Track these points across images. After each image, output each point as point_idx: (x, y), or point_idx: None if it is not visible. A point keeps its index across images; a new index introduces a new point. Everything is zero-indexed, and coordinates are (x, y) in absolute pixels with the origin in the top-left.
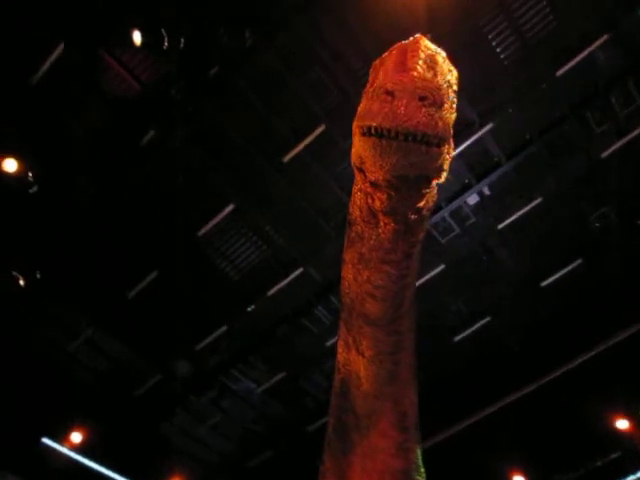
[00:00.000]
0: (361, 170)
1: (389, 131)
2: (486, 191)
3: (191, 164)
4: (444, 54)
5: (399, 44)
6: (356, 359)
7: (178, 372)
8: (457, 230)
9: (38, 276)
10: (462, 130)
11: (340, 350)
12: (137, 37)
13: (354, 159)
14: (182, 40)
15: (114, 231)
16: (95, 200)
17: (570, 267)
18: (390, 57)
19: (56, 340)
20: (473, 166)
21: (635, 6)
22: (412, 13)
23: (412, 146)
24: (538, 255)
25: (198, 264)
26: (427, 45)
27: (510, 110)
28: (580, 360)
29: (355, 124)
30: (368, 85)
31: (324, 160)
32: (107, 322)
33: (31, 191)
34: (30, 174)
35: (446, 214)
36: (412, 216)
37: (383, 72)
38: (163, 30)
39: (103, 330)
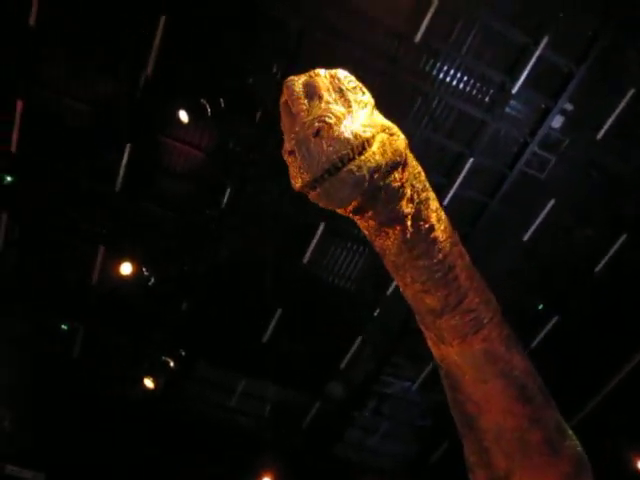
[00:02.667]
0: None
1: (314, 182)
2: (568, 107)
3: (274, 204)
4: (318, 70)
5: (281, 101)
6: (448, 351)
7: (334, 394)
8: (553, 159)
9: (182, 353)
10: (520, 57)
11: (432, 348)
12: (184, 116)
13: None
14: (221, 100)
15: (232, 289)
16: (208, 269)
17: None
18: (282, 115)
19: (215, 400)
20: (543, 87)
21: None
22: None
23: (342, 175)
24: None
25: (313, 289)
26: (300, 79)
27: (561, 14)
28: None
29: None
30: None
31: None
32: (255, 370)
33: (150, 284)
34: (145, 270)
35: (535, 148)
36: (407, 205)
37: (285, 131)
38: (202, 100)
39: (254, 378)
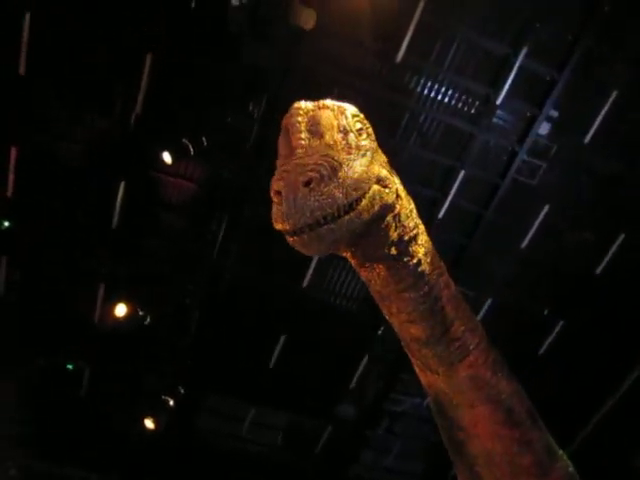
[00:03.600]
0: None
1: (293, 232)
2: (554, 113)
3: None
4: (327, 102)
5: (284, 121)
6: (434, 379)
7: (345, 416)
8: (544, 165)
9: (182, 391)
10: (500, 69)
11: (419, 375)
12: (167, 157)
13: None
14: (204, 139)
15: (235, 319)
16: (210, 300)
17: None
18: (280, 139)
19: (226, 430)
20: (527, 96)
21: None
22: None
23: (321, 231)
24: None
25: (315, 311)
26: (305, 109)
27: (537, 24)
28: None
29: None
30: None
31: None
32: (262, 398)
33: (146, 323)
34: (140, 311)
35: (524, 156)
36: (392, 248)
37: (277, 162)
38: (184, 140)
39: (263, 406)
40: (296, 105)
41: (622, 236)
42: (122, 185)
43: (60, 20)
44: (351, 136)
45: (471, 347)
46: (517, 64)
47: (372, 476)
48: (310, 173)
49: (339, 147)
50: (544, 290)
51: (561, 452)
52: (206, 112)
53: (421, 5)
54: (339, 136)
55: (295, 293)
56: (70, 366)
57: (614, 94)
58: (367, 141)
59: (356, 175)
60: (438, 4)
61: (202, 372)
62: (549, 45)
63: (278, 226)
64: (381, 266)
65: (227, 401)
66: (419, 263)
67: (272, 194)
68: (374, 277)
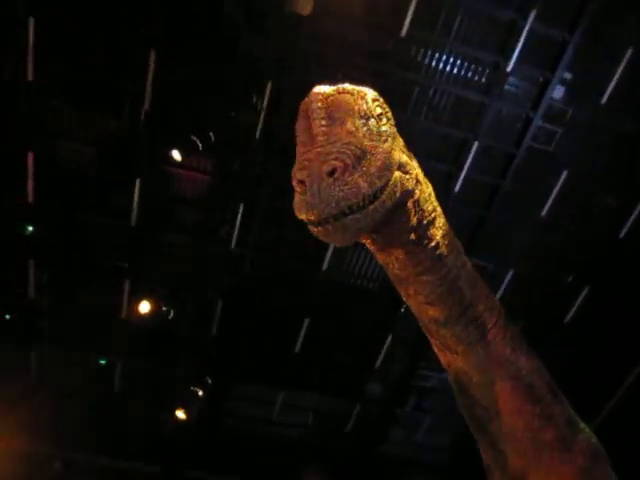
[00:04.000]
0: None
1: (317, 222)
2: (567, 76)
3: (285, 216)
4: (347, 87)
5: (302, 106)
6: (453, 358)
7: (373, 395)
8: (560, 131)
9: (209, 381)
10: (509, 35)
11: (438, 354)
12: (176, 154)
13: None
14: (211, 134)
15: (258, 305)
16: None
17: None
18: (298, 124)
19: (257, 415)
20: (539, 60)
21: None
22: None
23: (346, 221)
24: None
25: (338, 293)
26: (325, 94)
27: None
28: None
29: None
30: None
31: None
32: (290, 381)
33: (170, 317)
34: (164, 306)
35: (539, 122)
36: (411, 233)
37: (299, 147)
38: (193, 137)
39: (291, 389)
40: (315, 90)
41: None
42: (137, 183)
43: (63, 23)
44: (372, 122)
45: (489, 326)
46: (526, 28)
47: (403, 453)
48: (334, 162)
49: (361, 134)
50: (567, 257)
51: (583, 424)
52: (212, 104)
53: None
54: (360, 122)
55: (315, 277)
56: (103, 361)
57: (629, 52)
58: (387, 126)
59: (379, 163)
60: None
61: (229, 361)
62: (558, 6)
63: (302, 216)
64: (400, 250)
65: (256, 387)
66: (437, 246)
67: (294, 183)
68: (392, 261)
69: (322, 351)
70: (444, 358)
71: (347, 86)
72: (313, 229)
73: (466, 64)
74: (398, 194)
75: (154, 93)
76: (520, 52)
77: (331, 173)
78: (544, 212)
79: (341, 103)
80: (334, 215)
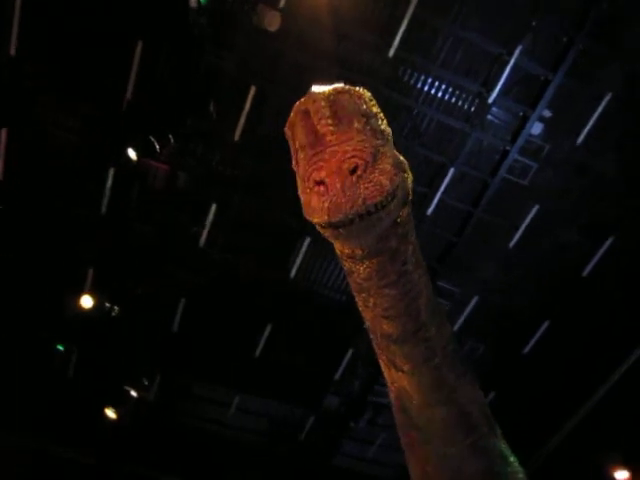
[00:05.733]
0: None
1: (341, 223)
2: (547, 114)
3: (256, 218)
4: (344, 87)
5: (299, 105)
6: (398, 375)
7: (329, 407)
8: (535, 165)
9: (145, 383)
10: (494, 67)
11: (384, 370)
12: (132, 154)
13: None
14: (170, 137)
15: (222, 307)
16: (196, 287)
17: None
18: (298, 125)
19: (211, 416)
20: (521, 95)
21: None
22: None
23: (372, 219)
24: (635, 151)
25: (302, 302)
26: (325, 94)
27: (533, 23)
28: None
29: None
30: (293, 157)
31: None
32: (247, 385)
33: (113, 314)
34: (107, 304)
35: (516, 155)
36: (396, 247)
37: (301, 150)
38: (151, 137)
39: (247, 394)
40: (315, 89)
41: (611, 239)
42: (111, 172)
43: (51, 3)
44: (373, 121)
45: (438, 349)
46: (511, 63)
47: (355, 466)
48: (355, 160)
49: (369, 133)
50: (530, 290)
51: (514, 458)
52: (190, 104)
53: (414, 1)
54: (364, 121)
55: (282, 284)
56: (61, 347)
57: (608, 97)
58: (384, 126)
59: (392, 161)
60: (432, 1)
61: (188, 359)
62: (544, 45)
63: (321, 218)
64: (373, 260)
65: (212, 388)
66: (406, 261)
67: (310, 185)
68: (358, 269)
69: (282, 358)
70: (389, 375)
71: (344, 86)
72: (331, 232)
73: (451, 90)
74: (404, 194)
75: (137, 83)
76: (503, 85)
77: (353, 171)
78: (512, 243)
79: (343, 103)
80: (359, 215)
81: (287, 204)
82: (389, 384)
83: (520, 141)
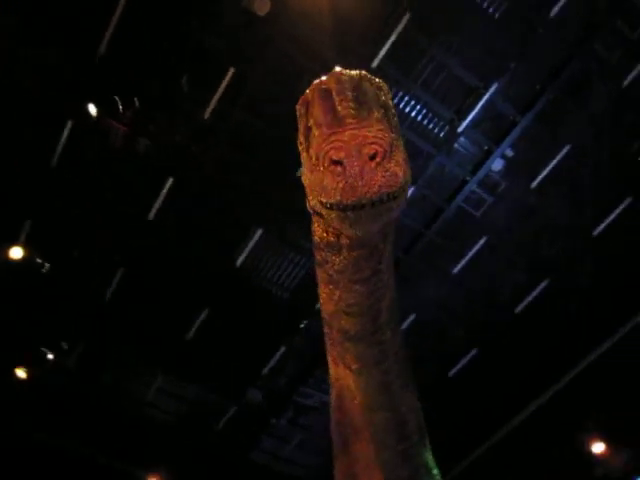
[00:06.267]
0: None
1: (353, 206)
2: (509, 153)
3: (209, 201)
4: (367, 74)
5: (319, 83)
6: (345, 373)
7: (252, 400)
8: (490, 200)
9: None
10: (468, 98)
11: (330, 365)
12: (92, 109)
13: (315, 209)
14: (135, 100)
15: (158, 281)
16: (132, 256)
17: (620, 208)
18: (316, 103)
19: (131, 391)
20: (489, 131)
21: None
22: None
23: (381, 209)
24: (583, 203)
25: (244, 293)
26: (349, 75)
27: (512, 65)
28: None
29: (312, 198)
30: (299, 130)
31: None
32: (174, 367)
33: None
34: (38, 260)
35: (474, 186)
36: (379, 243)
37: (316, 127)
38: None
39: (173, 375)
40: (338, 70)
41: (546, 282)
42: (69, 125)
43: None
44: (389, 114)
45: (391, 353)
46: (485, 98)
47: (269, 463)
48: (374, 146)
49: (385, 124)
50: (465, 317)
51: (437, 471)
52: (163, 73)
53: (406, 17)
54: (382, 112)
55: (227, 271)
56: None
57: (567, 148)
58: (396, 120)
59: (403, 155)
60: (424, 22)
61: (116, 331)
62: (518, 87)
63: (333, 198)
64: (353, 252)
65: (136, 364)
66: (381, 260)
67: (325, 163)
68: (334, 260)
69: (213, 345)
70: (335, 371)
71: (365, 73)
72: (337, 215)
73: (425, 112)
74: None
75: (113, 38)
76: (474, 117)
77: (372, 157)
78: (456, 269)
79: (366, 89)
80: (372, 201)
81: (246, 193)
82: (332, 380)
83: (480, 174)
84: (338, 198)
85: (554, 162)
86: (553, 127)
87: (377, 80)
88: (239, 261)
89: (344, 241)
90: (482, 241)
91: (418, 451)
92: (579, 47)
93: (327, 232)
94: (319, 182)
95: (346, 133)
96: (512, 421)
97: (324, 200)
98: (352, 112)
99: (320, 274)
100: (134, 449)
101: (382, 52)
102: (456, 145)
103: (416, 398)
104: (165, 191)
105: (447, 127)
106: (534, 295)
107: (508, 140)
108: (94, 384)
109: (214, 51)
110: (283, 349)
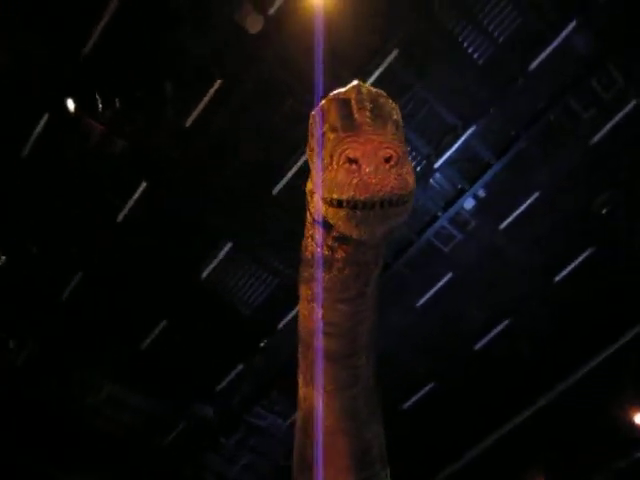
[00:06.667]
0: (324, 225)
1: (364, 203)
2: (481, 193)
3: (182, 209)
4: (383, 92)
5: (338, 93)
6: (315, 394)
7: (203, 416)
8: (459, 236)
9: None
10: (447, 136)
11: (301, 385)
12: (71, 105)
13: (316, 217)
14: (116, 100)
15: (119, 286)
16: (95, 258)
17: (581, 258)
18: (334, 113)
19: (78, 397)
20: (464, 170)
21: None
22: (377, 30)
23: (390, 211)
24: (547, 249)
25: (206, 306)
26: (368, 90)
27: (491, 110)
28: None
29: (319, 195)
30: (310, 138)
31: None
32: (125, 376)
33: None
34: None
35: (445, 222)
36: (371, 262)
37: (331, 131)
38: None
39: (123, 384)
40: (359, 83)
41: (507, 321)
42: (45, 117)
43: None
44: (399, 131)
45: (363, 379)
46: (463, 137)
47: None
48: (389, 150)
49: (398, 139)
50: (425, 350)
51: None
52: (148, 76)
53: (395, 53)
54: (394, 127)
55: (192, 282)
56: None
57: (535, 194)
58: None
59: (411, 167)
60: (411, 59)
61: (69, 335)
62: (495, 132)
63: (346, 194)
64: (344, 270)
65: (86, 370)
66: (368, 283)
67: (340, 161)
68: (323, 277)
69: (168, 357)
70: (304, 391)
71: (382, 91)
72: (347, 212)
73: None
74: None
75: (100, 40)
76: (451, 156)
77: (387, 159)
78: (420, 302)
79: (382, 105)
80: (382, 202)
81: (220, 205)
82: (300, 401)
83: (452, 211)
84: (351, 194)
85: (523, 207)
86: (524, 174)
87: (391, 101)
88: (205, 273)
89: (339, 255)
90: (448, 276)
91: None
92: (555, 101)
93: (322, 246)
94: (332, 179)
95: (363, 137)
96: (465, 456)
97: (335, 196)
98: (369, 121)
99: (304, 291)
100: (72, 457)
101: (367, 83)
102: (431, 180)
103: (382, 427)
104: (137, 195)
105: (424, 162)
106: (494, 333)
107: (481, 181)
108: (40, 386)
109: (201, 60)
110: (240, 367)
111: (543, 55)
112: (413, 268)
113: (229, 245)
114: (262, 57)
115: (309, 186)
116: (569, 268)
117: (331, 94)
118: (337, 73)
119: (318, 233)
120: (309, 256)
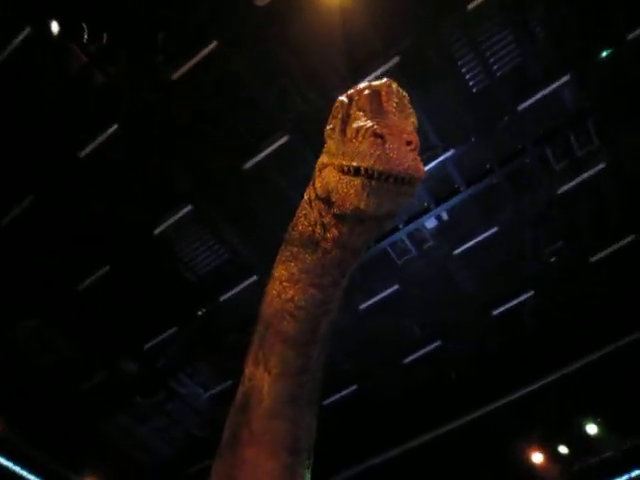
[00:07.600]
0: (326, 201)
1: (380, 174)
2: (444, 216)
3: (151, 158)
4: (408, 97)
5: (371, 85)
6: (262, 375)
7: (125, 371)
8: (414, 252)
9: None
10: (425, 153)
11: (249, 364)
12: (55, 27)
13: (320, 192)
14: (104, 35)
15: (67, 220)
16: (48, 188)
17: (521, 298)
18: (365, 98)
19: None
20: (433, 190)
21: (598, 50)
22: (385, 31)
23: (402, 189)
24: (492, 283)
25: (152, 263)
26: (397, 88)
27: (473, 139)
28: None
29: (334, 161)
30: (332, 120)
31: (285, 169)
32: (54, 314)
33: None
34: None
35: (404, 236)
36: (358, 249)
37: (362, 112)
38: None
39: (49, 321)
40: (390, 80)
41: (438, 342)
42: (25, 31)
43: None
44: (415, 132)
45: (312, 371)
46: (440, 159)
47: (116, 438)
48: (411, 137)
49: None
50: (355, 353)
51: None
52: (142, 23)
53: (395, 60)
54: (413, 125)
55: (143, 235)
56: None
57: (494, 229)
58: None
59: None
60: (409, 70)
61: (6, 259)
62: (471, 159)
63: (366, 162)
64: (329, 254)
65: (17, 302)
66: (344, 274)
67: (366, 135)
68: (305, 258)
69: (103, 305)
70: (252, 371)
71: (408, 97)
72: (362, 181)
73: None
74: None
75: None
76: (425, 173)
77: (408, 143)
78: (362, 307)
79: (406, 104)
80: (397, 177)
81: (187, 166)
82: (245, 379)
83: (412, 226)
84: (371, 162)
85: (479, 238)
86: (489, 207)
87: (411, 107)
88: (158, 229)
89: (331, 234)
90: (394, 288)
91: (301, 470)
92: (534, 145)
93: (315, 224)
94: (355, 148)
95: (389, 119)
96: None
97: (355, 164)
98: (395, 111)
99: (278, 271)
100: None
101: (363, 82)
102: None
103: (315, 420)
104: (105, 135)
105: None
106: (424, 352)
107: (447, 204)
108: None
109: (201, 19)
110: (173, 330)
111: (533, 99)
112: (363, 272)
113: (189, 208)
114: (263, 31)
115: (322, 159)
116: (507, 305)
117: (361, 86)
118: (336, 65)
119: (316, 209)
120: (296, 235)
